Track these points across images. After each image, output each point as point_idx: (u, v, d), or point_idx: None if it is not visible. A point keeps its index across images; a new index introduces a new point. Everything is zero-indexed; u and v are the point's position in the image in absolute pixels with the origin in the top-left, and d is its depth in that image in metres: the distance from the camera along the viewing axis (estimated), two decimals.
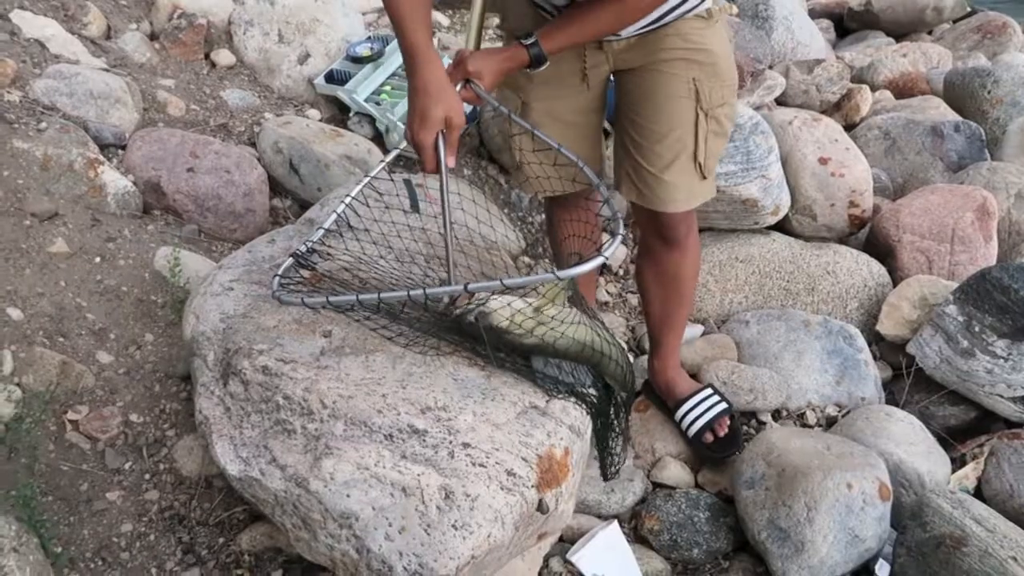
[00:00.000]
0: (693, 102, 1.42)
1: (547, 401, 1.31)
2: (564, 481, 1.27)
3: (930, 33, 5.01)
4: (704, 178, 1.48)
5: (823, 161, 2.33)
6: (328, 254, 1.47)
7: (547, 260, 2.31)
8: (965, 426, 1.96)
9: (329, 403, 1.21)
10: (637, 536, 1.68)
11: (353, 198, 1.50)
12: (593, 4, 1.29)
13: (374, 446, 1.18)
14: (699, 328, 2.18)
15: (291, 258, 1.43)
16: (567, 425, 1.31)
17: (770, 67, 3.48)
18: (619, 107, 1.52)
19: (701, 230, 2.41)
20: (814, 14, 5.11)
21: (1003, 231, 2.37)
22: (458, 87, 1.30)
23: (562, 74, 1.45)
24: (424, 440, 1.19)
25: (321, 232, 1.48)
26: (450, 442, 1.20)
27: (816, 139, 2.38)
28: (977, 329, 1.92)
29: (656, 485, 1.78)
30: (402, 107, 2.43)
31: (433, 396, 1.24)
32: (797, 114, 2.51)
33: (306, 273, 1.42)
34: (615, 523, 1.59)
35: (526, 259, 2.30)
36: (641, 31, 1.39)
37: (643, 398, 1.93)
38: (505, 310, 1.21)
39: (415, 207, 1.61)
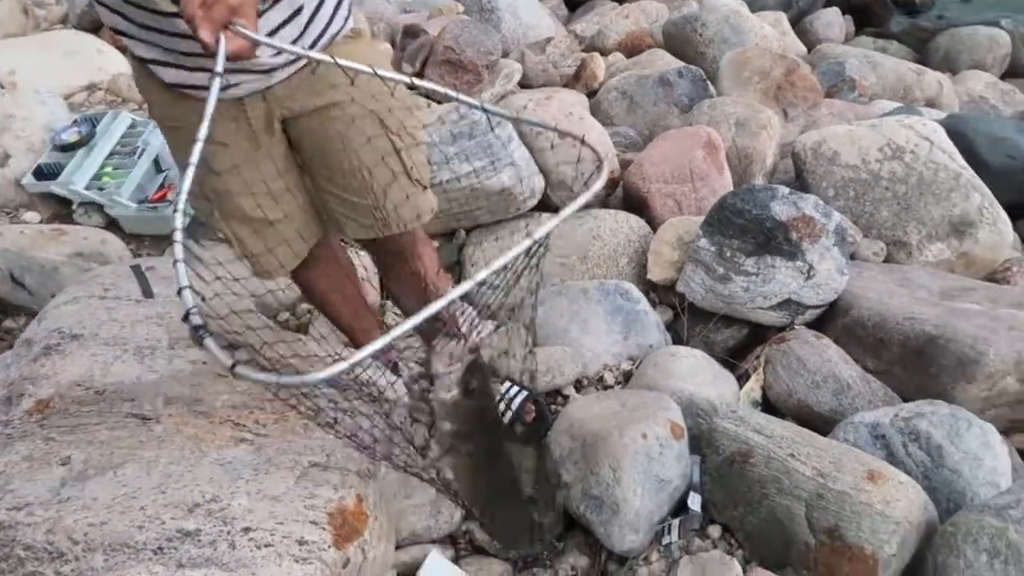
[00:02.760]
0: (383, 132, 1.36)
1: (327, 455, 1.26)
2: (365, 528, 1.24)
3: None
4: (425, 188, 1.49)
5: (562, 136, 2.42)
6: None
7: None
8: (743, 343, 2.13)
9: (80, 537, 1.10)
10: (474, 547, 1.67)
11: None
12: None
13: (144, 566, 1.09)
14: (490, 324, 2.21)
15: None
16: (354, 471, 1.27)
17: (505, 55, 3.59)
18: (307, 159, 1.40)
19: (470, 229, 2.45)
20: None
21: (733, 158, 2.58)
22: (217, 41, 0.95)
23: (236, 143, 1.29)
24: (198, 540, 1.11)
25: None
26: (228, 532, 1.13)
27: (552, 116, 2.47)
28: (728, 254, 2.07)
29: None
30: (130, 185, 2.27)
31: (199, 490, 1.16)
32: (531, 96, 2.60)
33: None
34: (434, 551, 1.58)
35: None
36: (295, 65, 1.26)
37: None
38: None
39: (148, 294, 1.51)
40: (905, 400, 1.76)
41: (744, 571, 1.43)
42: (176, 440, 1.24)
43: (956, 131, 2.92)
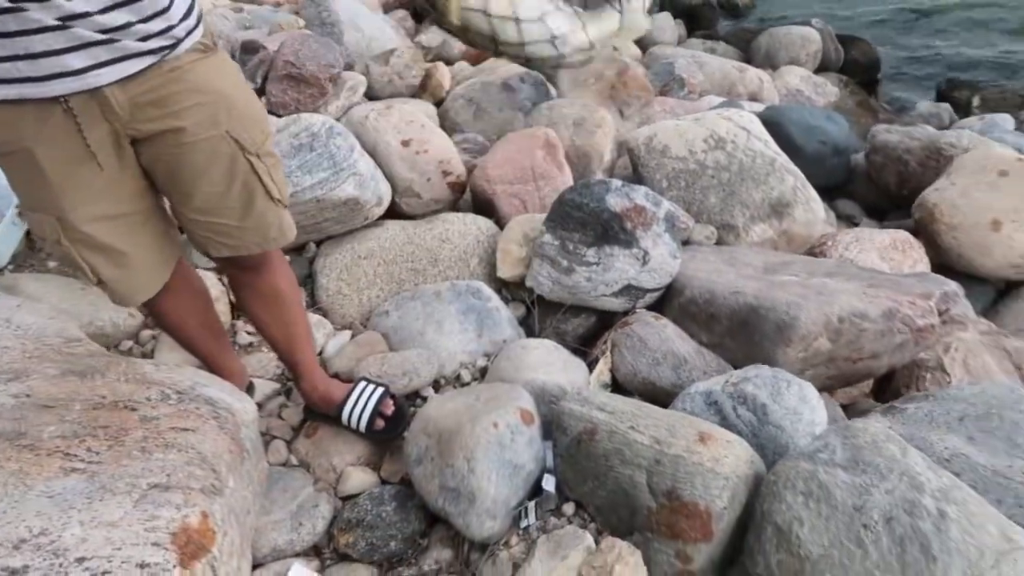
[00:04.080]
0: (239, 153, 1.33)
1: (168, 475, 1.23)
2: (213, 545, 1.22)
3: None
4: (286, 207, 1.48)
5: (405, 143, 2.46)
6: None
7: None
8: (592, 331, 2.23)
9: None
10: (339, 555, 1.67)
11: None
12: None
13: None
14: (346, 334, 2.21)
15: None
16: (198, 489, 1.25)
17: (350, 68, 3.59)
18: (161, 182, 1.35)
19: (319, 241, 2.44)
20: (389, 6, 5.35)
21: (572, 157, 2.71)
22: None
23: (80, 167, 1.23)
24: None
25: None
26: (60, 565, 1.08)
27: (394, 125, 2.51)
28: (571, 247, 2.17)
29: (346, 499, 1.79)
30: None
31: (25, 525, 1.11)
32: (373, 107, 2.62)
33: None
34: (296, 564, 1.57)
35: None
36: (137, 78, 1.21)
37: (309, 423, 1.92)
38: None
39: None
40: (736, 368, 1.91)
41: (596, 542, 1.51)
42: None
43: (773, 121, 3.18)
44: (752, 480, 1.50)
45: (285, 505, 1.69)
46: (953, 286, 2.11)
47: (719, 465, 1.44)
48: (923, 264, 2.69)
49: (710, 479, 1.43)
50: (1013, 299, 2.78)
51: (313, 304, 2.32)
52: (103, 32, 1.14)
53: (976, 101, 4.87)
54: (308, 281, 2.37)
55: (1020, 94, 4.94)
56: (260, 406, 1.95)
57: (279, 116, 2.49)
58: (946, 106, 4.87)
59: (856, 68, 5.52)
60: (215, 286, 2.17)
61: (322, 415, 1.89)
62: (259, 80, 3.20)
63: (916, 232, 2.85)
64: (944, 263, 2.76)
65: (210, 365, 1.78)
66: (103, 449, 1.26)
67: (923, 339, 1.95)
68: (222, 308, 2.15)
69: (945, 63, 6.16)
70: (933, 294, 2.01)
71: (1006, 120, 4.39)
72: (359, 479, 1.80)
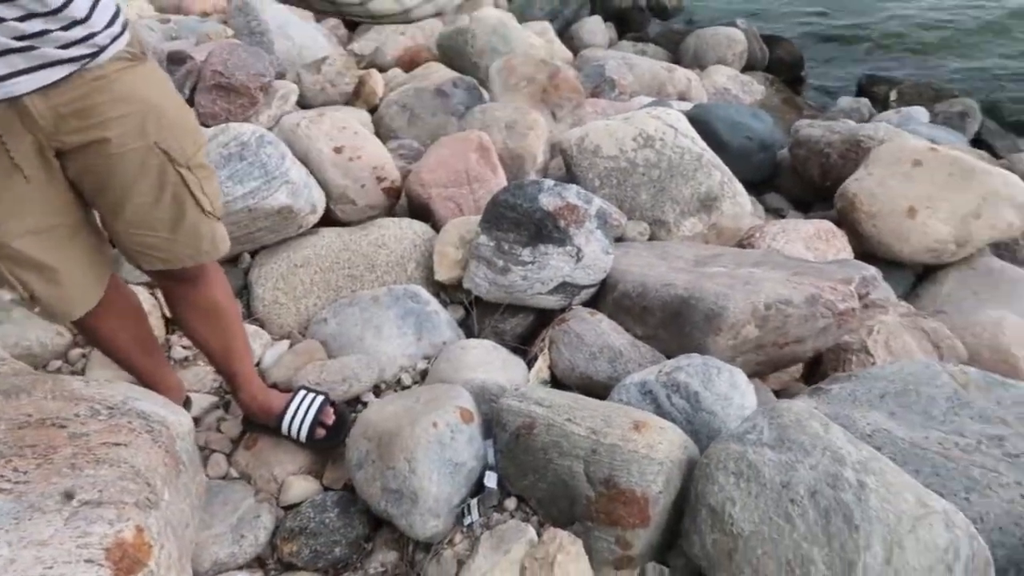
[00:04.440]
0: (168, 165, 1.31)
1: (100, 491, 1.22)
2: (150, 558, 1.20)
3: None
4: (219, 219, 1.47)
5: (338, 150, 2.46)
6: None
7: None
8: (531, 329, 2.26)
9: None
10: (284, 565, 1.66)
11: None
12: None
13: None
14: (285, 343, 2.20)
15: None
16: (131, 503, 1.23)
17: (281, 77, 3.56)
18: (90, 196, 1.33)
19: (254, 252, 2.42)
20: (320, 15, 5.31)
21: (506, 159, 2.74)
22: None
23: (2, 178, 1.20)
24: None
25: None
26: None
27: (325, 132, 2.50)
28: (506, 247, 2.20)
29: (288, 508, 1.78)
30: None
31: None
32: (304, 115, 2.61)
33: None
34: None
35: None
36: (59, 87, 1.18)
37: (248, 435, 1.90)
38: None
39: None
40: (669, 358, 1.96)
41: (539, 534, 1.53)
42: None
43: (700, 119, 3.27)
44: (686, 464, 1.54)
45: (226, 518, 1.68)
46: (872, 271, 2.21)
47: (653, 451, 1.48)
48: (846, 252, 2.80)
49: (645, 465, 1.47)
50: (931, 282, 2.91)
51: (249, 315, 2.29)
52: (20, 39, 1.12)
53: (893, 95, 5.09)
54: (244, 292, 2.35)
55: (934, 88, 5.17)
56: (198, 420, 1.93)
57: (208, 127, 2.46)
58: (865, 101, 5.07)
59: (781, 66, 5.71)
60: (147, 300, 2.13)
61: (262, 426, 1.87)
62: (187, 91, 3.15)
63: (839, 222, 2.97)
64: (866, 250, 2.88)
65: (145, 381, 1.76)
66: (31, 468, 1.24)
67: (845, 322, 2.04)
68: (155, 322, 2.12)
69: (865, 60, 6.41)
70: (853, 279, 2.10)
71: (921, 113, 4.59)
72: (301, 488, 1.79)
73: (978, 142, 4.55)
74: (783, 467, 1.38)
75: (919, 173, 2.88)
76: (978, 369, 1.81)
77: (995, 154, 4.28)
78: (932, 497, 1.36)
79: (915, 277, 2.97)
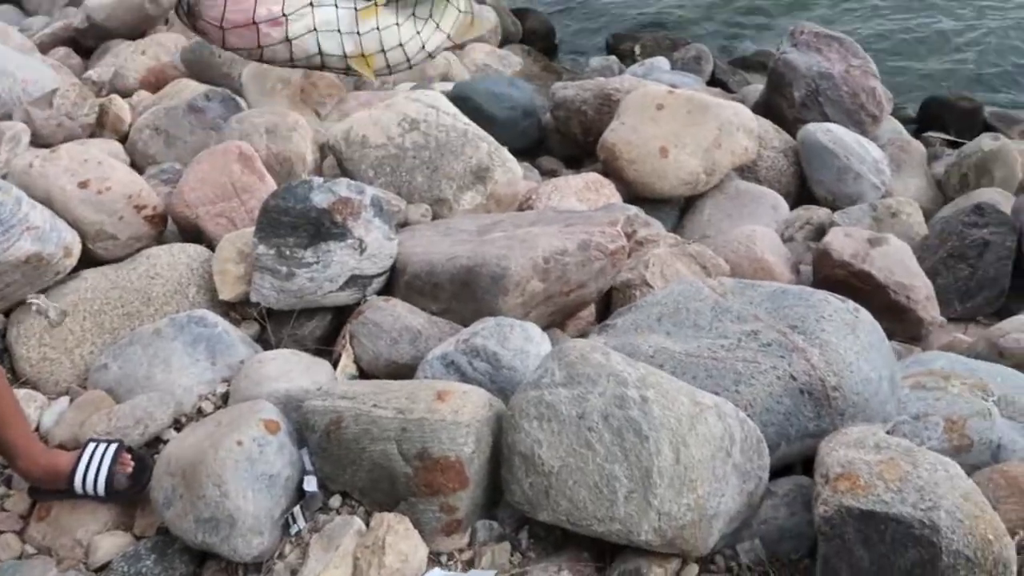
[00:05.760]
0: None
1: None
2: None
3: (166, 23, 5.16)
4: None
5: (83, 185, 2.28)
6: None
7: None
8: (331, 329, 2.24)
9: None
10: None
11: None
12: None
13: None
14: (64, 400, 2.02)
15: None
16: None
17: (9, 118, 3.23)
18: None
19: (8, 310, 2.20)
20: (46, 47, 4.85)
21: (273, 164, 2.67)
22: None
23: None
24: None
25: None
26: None
27: (65, 168, 2.30)
28: (287, 253, 2.15)
29: (100, 569, 1.66)
30: None
31: None
32: (37, 154, 2.39)
33: None
34: None
35: None
36: None
37: (39, 505, 1.75)
38: None
39: None
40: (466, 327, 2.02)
41: (367, 523, 1.54)
42: None
43: (463, 96, 3.37)
44: (494, 421, 1.61)
45: None
46: (634, 210, 2.41)
47: (459, 415, 1.54)
48: (616, 198, 3.01)
49: (453, 430, 1.52)
50: (692, 212, 3.21)
51: (16, 379, 2.09)
52: None
53: (638, 49, 5.49)
54: (4, 355, 2.13)
55: (671, 38, 5.65)
56: None
57: None
58: (614, 58, 5.44)
59: (535, 37, 5.96)
60: None
61: (52, 492, 1.73)
62: None
63: (606, 172, 3.18)
64: (633, 193, 3.12)
65: None
66: None
67: (618, 260, 2.21)
68: None
69: (612, 21, 6.85)
70: (618, 220, 2.27)
71: (663, 62, 5.00)
72: (111, 544, 1.67)
73: (714, 82, 5.04)
74: (576, 400, 1.48)
75: (663, 116, 3.15)
76: (732, 277, 2.03)
77: (728, 89, 4.76)
78: (704, 395, 1.52)
79: (679, 210, 3.26)
